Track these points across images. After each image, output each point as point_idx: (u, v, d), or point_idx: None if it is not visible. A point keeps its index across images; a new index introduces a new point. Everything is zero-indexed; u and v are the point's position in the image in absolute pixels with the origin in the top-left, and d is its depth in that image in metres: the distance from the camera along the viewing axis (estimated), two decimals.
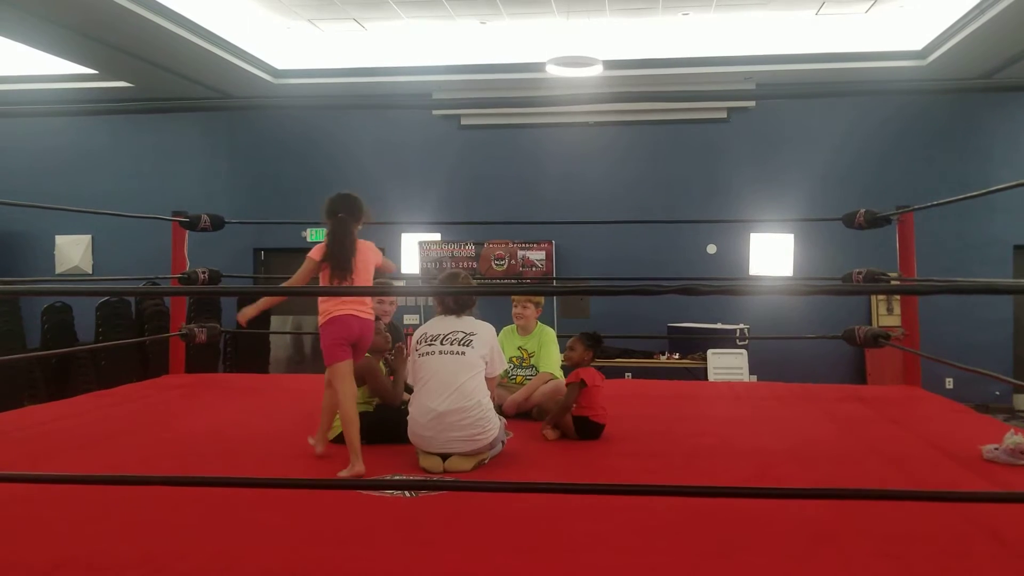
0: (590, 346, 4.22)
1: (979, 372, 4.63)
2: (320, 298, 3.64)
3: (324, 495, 3.01)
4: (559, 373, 4.75)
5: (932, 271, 7.26)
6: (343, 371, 3.51)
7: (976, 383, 9.37)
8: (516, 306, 4.91)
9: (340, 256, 3.56)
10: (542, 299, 5.05)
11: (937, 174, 9.82)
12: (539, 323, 5.01)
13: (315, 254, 3.61)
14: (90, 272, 11.12)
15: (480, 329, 3.66)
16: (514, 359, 4.85)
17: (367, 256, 3.67)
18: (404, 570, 2.37)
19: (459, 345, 3.55)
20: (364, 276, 3.63)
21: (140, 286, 7.42)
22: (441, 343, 3.57)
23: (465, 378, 3.49)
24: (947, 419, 4.67)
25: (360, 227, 3.71)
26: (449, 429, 3.43)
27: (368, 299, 3.68)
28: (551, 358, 4.80)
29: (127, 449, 3.90)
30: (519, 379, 4.82)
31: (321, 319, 3.53)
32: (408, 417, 3.58)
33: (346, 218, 3.62)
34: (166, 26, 7.91)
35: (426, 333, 3.65)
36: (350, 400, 3.47)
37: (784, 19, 8.64)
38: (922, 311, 5.87)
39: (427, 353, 3.57)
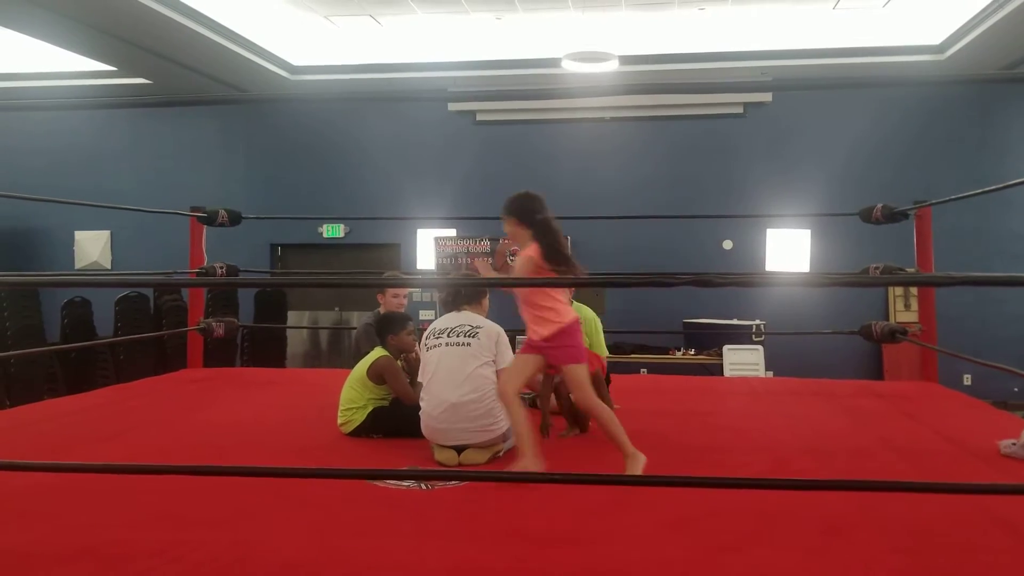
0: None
1: (998, 367, 4.59)
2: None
3: (340, 486, 3.03)
4: (604, 352, 4.57)
5: (950, 266, 7.20)
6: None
7: (994, 379, 9.30)
8: None
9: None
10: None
11: (955, 169, 9.75)
12: (575, 302, 4.78)
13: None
14: (109, 267, 11.22)
15: (485, 323, 3.71)
16: None
17: None
18: (419, 561, 2.38)
19: (465, 337, 3.60)
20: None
21: (159, 278, 7.48)
22: (448, 336, 3.62)
23: (472, 367, 3.52)
24: (965, 415, 4.65)
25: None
26: (462, 420, 3.46)
27: None
28: (598, 340, 4.55)
29: (146, 441, 3.94)
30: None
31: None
32: (420, 412, 3.60)
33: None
34: (183, 22, 7.96)
35: (434, 328, 3.71)
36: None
37: (801, 13, 8.59)
38: (939, 307, 5.83)
39: (434, 346, 3.62)
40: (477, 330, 3.62)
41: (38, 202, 10.06)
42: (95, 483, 2.99)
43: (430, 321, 10.13)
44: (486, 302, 3.90)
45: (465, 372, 3.50)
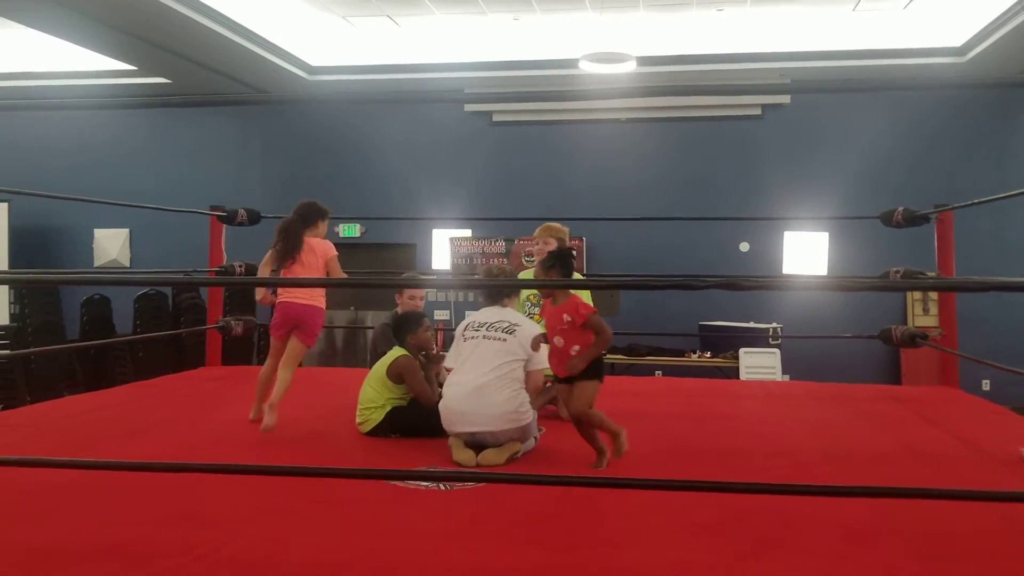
0: (549, 267, 3.57)
1: (1018, 372, 4.56)
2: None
3: (359, 486, 3.03)
4: None
5: (969, 271, 7.11)
6: (273, 347, 4.36)
7: (1013, 385, 9.20)
8: (537, 242, 4.70)
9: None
10: (566, 233, 4.73)
11: (974, 172, 9.68)
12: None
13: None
14: (128, 265, 11.29)
15: (525, 323, 3.75)
16: (531, 297, 4.70)
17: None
18: (441, 562, 2.39)
19: (502, 332, 3.64)
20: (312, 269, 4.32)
21: (179, 276, 7.54)
22: (486, 329, 3.66)
23: (502, 361, 3.56)
24: (985, 420, 4.61)
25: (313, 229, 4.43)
26: (485, 405, 3.48)
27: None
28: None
29: (167, 438, 3.96)
30: (536, 318, 4.55)
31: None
32: (441, 401, 3.61)
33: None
34: (203, 22, 8.00)
35: (474, 320, 3.75)
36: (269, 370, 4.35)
37: (821, 15, 8.56)
38: (958, 312, 5.80)
39: (471, 337, 3.67)
40: (515, 328, 3.66)
41: (58, 200, 10.13)
42: (117, 480, 3.01)
43: (445, 321, 10.14)
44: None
45: (495, 363, 3.54)
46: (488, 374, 3.52)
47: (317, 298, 4.37)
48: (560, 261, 3.55)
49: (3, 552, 2.42)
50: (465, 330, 3.73)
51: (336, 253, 4.44)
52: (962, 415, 4.73)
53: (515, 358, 3.58)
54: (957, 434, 4.14)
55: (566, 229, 4.81)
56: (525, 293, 4.70)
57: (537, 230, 4.77)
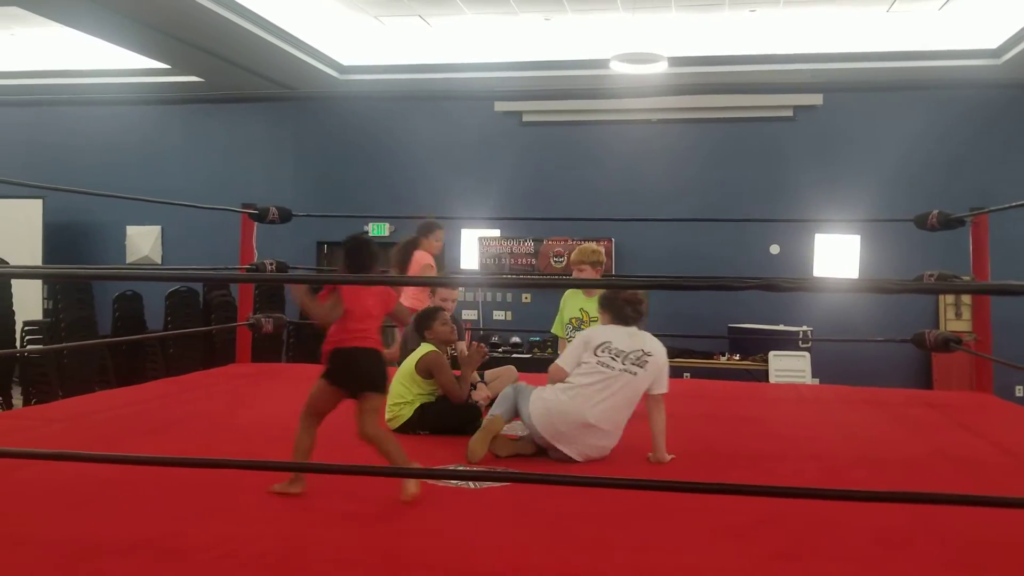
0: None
1: None
2: None
3: (388, 483, 3.03)
4: None
5: (1004, 275, 7.02)
6: None
7: None
8: (573, 270, 4.81)
9: None
10: (602, 258, 4.78)
11: (1011, 175, 9.52)
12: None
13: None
14: (159, 262, 11.40)
15: (656, 351, 3.64)
16: (573, 320, 4.74)
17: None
18: (465, 561, 2.38)
19: (634, 364, 3.55)
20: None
21: (210, 272, 7.63)
22: (623, 361, 3.55)
23: (623, 402, 3.53)
24: (1021, 426, 4.54)
25: None
26: (579, 442, 3.48)
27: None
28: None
29: (197, 434, 3.99)
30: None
31: None
32: (542, 393, 3.56)
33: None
34: (236, 21, 8.08)
35: (610, 344, 3.59)
36: None
37: (854, 16, 8.47)
38: (992, 316, 5.70)
39: (605, 364, 3.54)
40: (647, 358, 3.58)
41: (92, 197, 10.25)
42: (147, 475, 3.03)
43: (473, 321, 10.12)
44: None
45: (613, 401, 3.49)
46: (602, 412, 3.47)
47: (407, 298, 5.11)
48: (347, 254, 3.20)
49: (35, 546, 2.45)
50: (600, 350, 3.57)
51: (424, 263, 5.45)
52: (997, 421, 4.66)
53: (638, 392, 3.56)
54: (992, 440, 4.07)
55: (601, 250, 4.89)
56: (568, 314, 4.74)
57: (573, 253, 4.83)
